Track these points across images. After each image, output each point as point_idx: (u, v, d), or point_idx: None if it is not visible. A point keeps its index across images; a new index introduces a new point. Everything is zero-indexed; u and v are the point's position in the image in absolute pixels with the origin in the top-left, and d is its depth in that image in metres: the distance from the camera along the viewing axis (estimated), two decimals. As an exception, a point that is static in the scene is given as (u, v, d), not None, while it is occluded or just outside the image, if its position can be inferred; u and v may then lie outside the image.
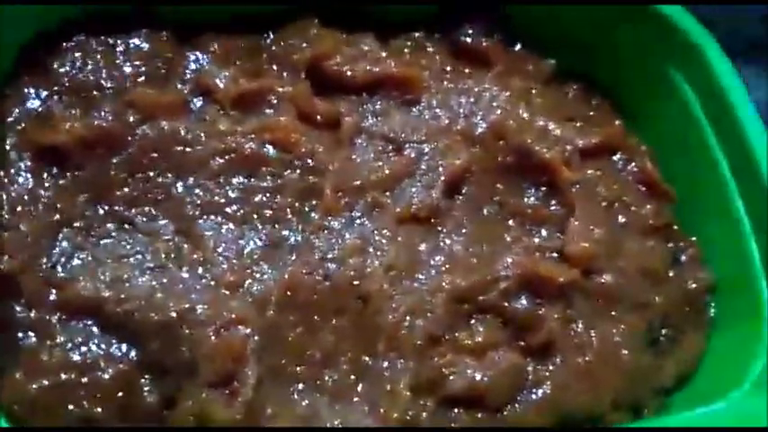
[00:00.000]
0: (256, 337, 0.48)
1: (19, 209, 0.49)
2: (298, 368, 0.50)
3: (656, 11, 0.65)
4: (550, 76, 0.69)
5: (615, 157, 0.66)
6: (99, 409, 0.46)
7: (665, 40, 0.65)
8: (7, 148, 0.50)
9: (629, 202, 0.64)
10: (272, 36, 0.59)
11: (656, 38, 0.65)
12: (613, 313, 0.58)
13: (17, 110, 0.52)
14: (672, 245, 0.65)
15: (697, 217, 0.65)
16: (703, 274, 0.63)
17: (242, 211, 0.53)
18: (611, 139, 0.66)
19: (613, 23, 0.67)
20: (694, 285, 0.63)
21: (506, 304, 0.55)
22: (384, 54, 0.61)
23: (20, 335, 0.47)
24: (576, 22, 0.67)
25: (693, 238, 0.65)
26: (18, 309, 0.47)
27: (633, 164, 0.66)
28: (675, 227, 0.65)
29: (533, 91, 0.66)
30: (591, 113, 0.69)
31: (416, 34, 0.65)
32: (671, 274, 0.63)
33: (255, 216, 0.53)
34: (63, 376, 0.46)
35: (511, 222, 0.59)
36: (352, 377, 0.51)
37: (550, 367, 0.55)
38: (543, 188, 0.61)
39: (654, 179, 0.65)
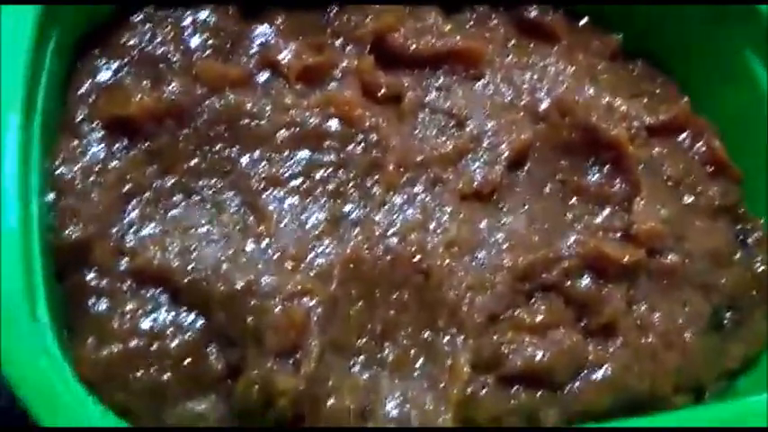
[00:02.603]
0: (319, 310, 0.49)
1: (91, 179, 0.50)
2: (359, 341, 0.50)
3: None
4: (616, 51, 0.67)
5: (682, 136, 0.65)
6: (167, 376, 0.48)
7: (743, 22, 0.63)
8: (79, 119, 0.51)
9: (696, 182, 0.63)
10: (335, 10, 0.59)
11: (732, 18, 0.63)
12: (677, 295, 0.57)
13: (88, 82, 0.53)
14: (739, 226, 0.63)
15: (764, 198, 0.64)
16: (771, 257, 0.62)
17: (305, 185, 0.53)
18: (679, 117, 0.64)
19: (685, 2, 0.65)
20: (762, 268, 0.61)
21: (568, 283, 0.54)
22: (448, 28, 0.60)
23: (91, 301, 0.48)
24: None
25: (761, 220, 0.63)
26: (90, 276, 0.49)
27: (700, 143, 0.64)
28: (742, 208, 0.64)
29: (598, 67, 0.65)
30: (657, 90, 0.67)
31: (480, 8, 0.64)
32: (737, 256, 0.61)
33: (318, 190, 0.53)
34: (132, 343, 0.47)
35: (574, 200, 0.59)
36: (413, 352, 0.51)
37: (611, 348, 0.54)
38: (607, 166, 0.60)
39: (721, 159, 0.64)
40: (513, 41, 0.63)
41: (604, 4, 0.67)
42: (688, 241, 0.59)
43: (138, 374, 0.47)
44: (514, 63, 0.61)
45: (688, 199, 0.62)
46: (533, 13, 0.64)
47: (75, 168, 0.50)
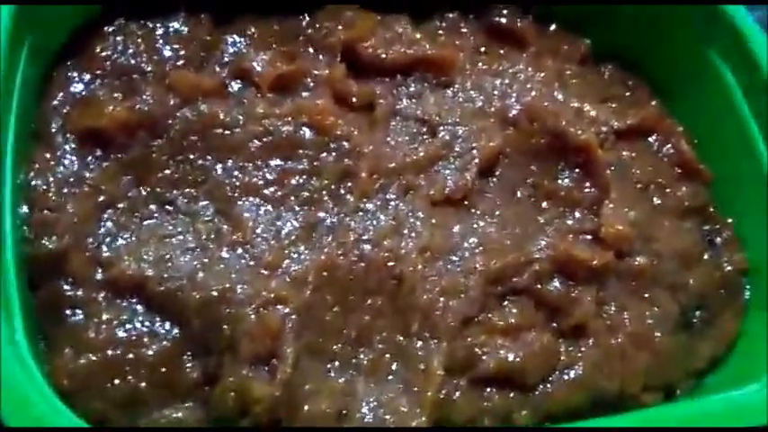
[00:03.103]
0: (294, 317, 0.49)
1: (65, 190, 0.51)
2: (334, 347, 0.51)
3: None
4: (585, 56, 0.68)
5: (651, 139, 0.66)
6: (143, 384, 0.48)
7: (706, 21, 0.64)
8: (53, 130, 0.52)
9: (665, 184, 0.64)
10: (308, 19, 0.60)
11: (696, 18, 0.65)
12: (647, 295, 0.59)
13: (61, 93, 0.53)
14: (707, 227, 0.64)
15: (733, 199, 0.65)
16: (739, 256, 0.63)
17: (279, 193, 0.54)
18: (647, 120, 0.65)
19: (652, 3, 0.66)
20: (729, 268, 0.63)
21: (539, 286, 0.55)
22: (418, 36, 0.61)
23: (68, 312, 0.49)
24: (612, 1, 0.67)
25: (729, 220, 0.65)
26: (66, 287, 0.49)
27: (669, 145, 0.66)
28: (711, 209, 0.65)
29: (568, 72, 0.66)
30: (627, 94, 0.69)
31: (451, 15, 0.64)
32: (706, 257, 0.63)
33: (292, 198, 0.54)
34: (109, 352, 0.48)
35: (545, 204, 0.60)
36: (387, 356, 0.52)
37: (583, 348, 0.55)
38: (577, 170, 0.61)
39: (689, 160, 0.65)
40: (483, 48, 0.64)
41: (573, 9, 0.68)
42: (657, 242, 0.60)
43: (115, 383, 0.48)
44: (485, 69, 0.62)
45: (657, 200, 0.63)
46: (503, 20, 0.65)
47: (50, 180, 0.50)
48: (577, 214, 0.60)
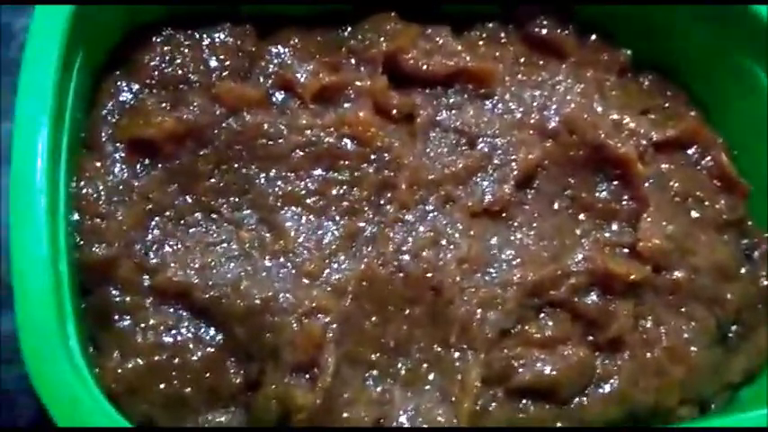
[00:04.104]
0: (335, 326, 0.50)
1: (114, 198, 0.52)
2: (372, 356, 0.52)
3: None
4: (625, 66, 0.68)
5: (690, 151, 0.66)
6: (188, 389, 0.50)
7: (746, 32, 0.64)
8: (102, 139, 0.53)
9: (703, 197, 0.64)
10: (350, 30, 0.61)
11: (735, 29, 0.64)
12: (684, 309, 0.59)
13: (111, 103, 0.55)
14: (746, 240, 0.64)
15: (770, 213, 0.65)
16: (777, 271, 0.63)
17: (321, 203, 0.55)
18: (686, 132, 0.65)
19: (691, 15, 0.66)
20: (766, 282, 0.62)
21: (576, 299, 0.56)
22: (459, 47, 0.61)
23: (116, 317, 0.50)
24: (652, 13, 0.66)
25: (767, 235, 0.64)
26: (114, 293, 0.50)
27: (708, 157, 0.65)
28: (749, 222, 0.65)
29: (607, 83, 0.66)
30: (666, 105, 0.68)
31: (491, 25, 0.65)
32: (743, 271, 0.62)
33: (333, 208, 0.55)
34: (155, 357, 0.49)
35: (582, 216, 0.60)
36: (425, 366, 0.52)
37: (619, 362, 0.56)
38: (615, 182, 0.61)
39: (728, 173, 0.65)
40: (523, 59, 0.64)
41: (613, 20, 0.67)
42: (694, 256, 0.60)
43: (161, 387, 0.49)
44: (524, 81, 0.63)
45: (695, 214, 0.63)
46: (543, 31, 0.65)
47: (100, 188, 0.52)
48: (615, 227, 0.60)
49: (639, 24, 0.67)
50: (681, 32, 0.67)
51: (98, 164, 0.52)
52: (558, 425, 0.53)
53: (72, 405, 0.44)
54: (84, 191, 0.51)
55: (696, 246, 0.61)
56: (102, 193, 0.52)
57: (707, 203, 0.63)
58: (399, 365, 0.52)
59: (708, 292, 0.60)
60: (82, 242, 0.50)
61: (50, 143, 0.48)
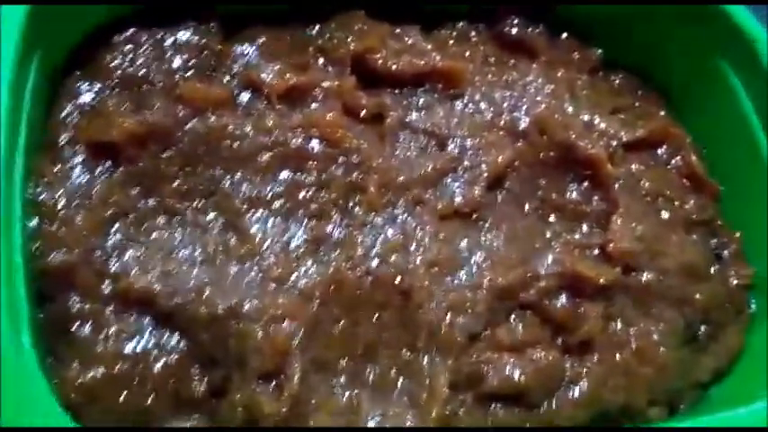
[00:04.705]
0: (301, 332, 0.50)
1: (74, 203, 0.50)
2: (340, 361, 0.51)
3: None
4: (596, 65, 0.68)
5: (659, 151, 0.66)
6: (151, 398, 0.48)
7: (717, 32, 0.64)
8: (62, 143, 0.52)
9: (673, 197, 0.64)
10: (318, 29, 0.60)
11: (707, 29, 0.64)
12: (653, 310, 0.59)
13: (70, 105, 0.53)
14: (715, 240, 0.64)
15: (741, 212, 0.65)
16: (745, 270, 0.63)
17: (288, 206, 0.54)
18: (656, 132, 0.65)
19: (663, 14, 0.66)
20: (736, 282, 0.63)
21: (546, 302, 0.55)
22: (429, 47, 0.60)
23: (75, 326, 0.49)
24: (623, 11, 0.66)
25: (737, 234, 0.65)
26: (73, 300, 0.49)
27: (678, 157, 0.65)
28: (719, 222, 0.65)
29: (578, 82, 0.65)
30: (637, 104, 0.68)
31: (461, 24, 0.64)
32: (713, 270, 0.63)
33: (301, 211, 0.54)
34: (116, 366, 0.48)
35: (552, 218, 0.60)
36: (393, 371, 0.52)
37: (588, 364, 0.56)
38: (586, 183, 0.61)
39: (698, 173, 0.65)
40: (493, 58, 0.64)
41: (584, 18, 0.67)
42: (664, 257, 0.60)
43: (123, 397, 0.48)
44: (494, 81, 0.62)
45: (665, 214, 0.63)
46: (513, 30, 0.64)
47: (58, 193, 0.50)
48: (585, 228, 0.60)
49: (611, 22, 0.67)
50: (654, 32, 0.67)
51: (57, 167, 0.51)
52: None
53: (30, 420, 0.42)
54: (43, 195, 0.50)
55: (666, 246, 0.61)
56: (61, 197, 0.50)
57: (677, 203, 0.63)
58: (368, 371, 0.52)
59: (677, 292, 0.60)
60: (40, 249, 0.49)
61: (6, 146, 0.46)
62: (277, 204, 0.54)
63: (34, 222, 0.49)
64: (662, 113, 0.68)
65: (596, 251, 0.59)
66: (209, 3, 0.58)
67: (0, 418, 0.42)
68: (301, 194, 0.54)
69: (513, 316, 0.55)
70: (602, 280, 0.56)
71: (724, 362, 0.61)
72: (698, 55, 0.66)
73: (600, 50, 0.68)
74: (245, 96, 0.56)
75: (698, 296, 0.60)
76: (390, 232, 0.55)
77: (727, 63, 0.65)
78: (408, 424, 0.51)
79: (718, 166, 0.67)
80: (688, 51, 0.67)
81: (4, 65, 0.48)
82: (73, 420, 0.44)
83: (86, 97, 0.54)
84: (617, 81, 0.69)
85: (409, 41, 0.60)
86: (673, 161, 0.65)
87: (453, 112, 0.60)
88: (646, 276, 0.58)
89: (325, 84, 0.57)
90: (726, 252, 0.64)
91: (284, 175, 0.55)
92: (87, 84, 0.54)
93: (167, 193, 0.53)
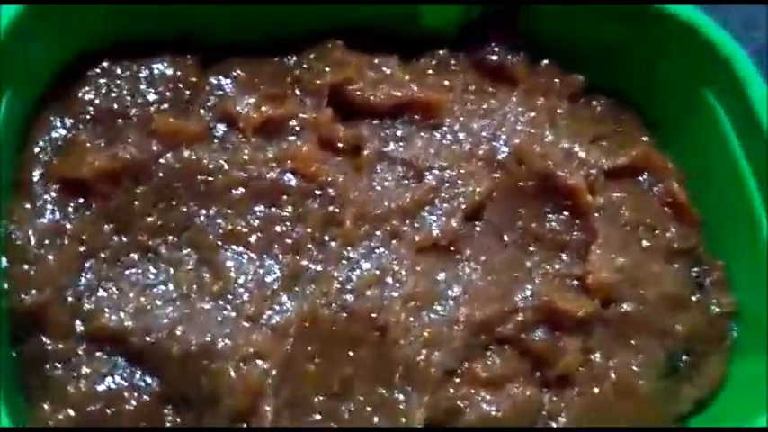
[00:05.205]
0: (275, 371, 0.49)
1: (45, 242, 0.50)
2: (315, 399, 0.51)
3: (686, 25, 0.63)
4: (577, 91, 0.68)
5: (641, 178, 0.65)
6: (123, 438, 0.48)
7: (702, 59, 0.63)
8: (33, 180, 0.51)
9: (654, 225, 0.63)
10: (295, 59, 0.59)
11: (691, 56, 0.64)
12: (633, 342, 0.58)
13: (42, 140, 0.53)
14: (697, 269, 0.64)
15: (723, 240, 0.64)
16: (727, 298, 0.63)
17: (263, 241, 0.54)
18: (638, 159, 0.64)
19: (643, 38, 0.65)
20: (717, 310, 0.62)
21: (524, 336, 0.55)
22: (407, 77, 0.60)
23: (47, 366, 0.48)
24: (602, 36, 0.66)
25: (719, 262, 0.64)
26: (45, 341, 0.49)
27: (660, 185, 0.65)
28: (701, 249, 0.65)
29: (559, 110, 0.65)
30: (619, 129, 0.68)
31: (441, 52, 0.64)
32: (694, 299, 0.62)
33: (276, 246, 0.54)
34: (88, 407, 0.48)
35: (532, 248, 0.59)
36: (369, 409, 0.51)
37: (566, 398, 0.55)
38: (565, 213, 0.60)
39: (680, 202, 0.64)
40: (473, 86, 0.63)
41: (565, 44, 0.67)
42: (644, 287, 0.60)
43: (95, 437, 0.48)
44: (473, 110, 0.61)
45: (646, 243, 0.62)
46: (494, 57, 0.64)
47: (30, 231, 0.50)
48: (565, 258, 0.59)
49: (593, 49, 0.67)
50: (637, 58, 0.67)
51: (27, 206, 0.51)
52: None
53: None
54: (13, 235, 0.49)
55: (646, 276, 0.60)
56: (32, 236, 0.50)
57: (658, 232, 0.63)
58: (343, 408, 0.51)
59: (657, 323, 0.59)
60: (11, 289, 0.48)
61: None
62: (252, 239, 0.54)
63: (4, 262, 0.49)
64: (644, 139, 0.67)
65: (576, 282, 0.58)
66: (186, 35, 0.57)
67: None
68: (277, 228, 0.54)
69: (490, 350, 0.55)
70: (580, 313, 0.55)
71: (706, 391, 0.61)
72: (682, 83, 0.66)
73: (581, 77, 0.67)
74: (220, 129, 0.56)
75: (679, 327, 0.60)
76: (367, 266, 0.54)
77: (711, 90, 0.65)
78: (385, 461, 0.50)
79: (699, 195, 0.66)
80: (672, 79, 0.66)
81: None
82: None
83: (59, 132, 0.53)
84: (598, 108, 0.68)
85: (387, 71, 0.60)
86: (655, 189, 0.65)
87: (432, 142, 0.59)
88: (625, 307, 0.58)
89: (302, 116, 0.56)
90: (707, 280, 0.64)
91: (259, 209, 0.54)
92: (60, 119, 0.53)
93: (141, 229, 0.53)
